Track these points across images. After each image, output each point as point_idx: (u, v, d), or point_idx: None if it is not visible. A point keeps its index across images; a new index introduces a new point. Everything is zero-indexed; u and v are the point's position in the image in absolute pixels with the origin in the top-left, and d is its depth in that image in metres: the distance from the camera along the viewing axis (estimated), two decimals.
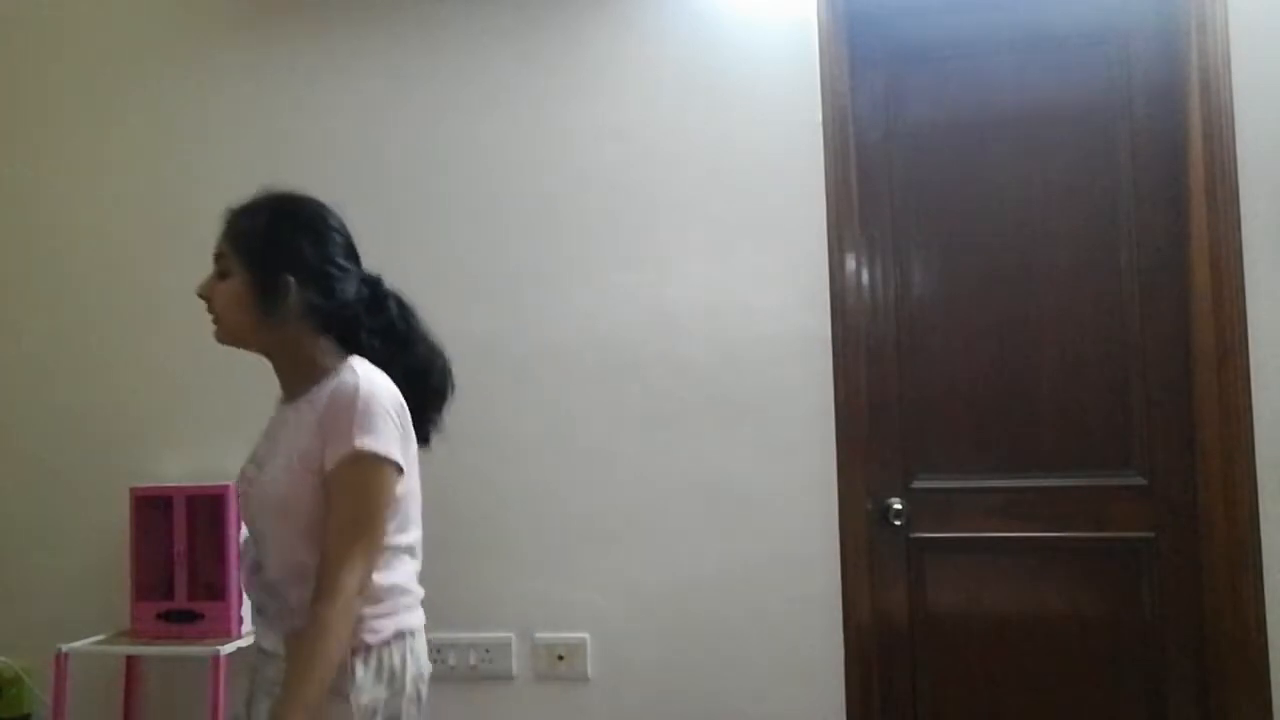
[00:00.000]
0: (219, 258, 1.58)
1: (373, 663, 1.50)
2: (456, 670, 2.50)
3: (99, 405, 2.73)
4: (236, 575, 2.49)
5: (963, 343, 2.48)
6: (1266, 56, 2.28)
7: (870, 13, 2.51)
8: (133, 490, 2.52)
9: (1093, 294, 2.43)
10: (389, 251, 2.65)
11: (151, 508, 2.50)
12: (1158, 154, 2.41)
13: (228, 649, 2.38)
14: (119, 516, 2.55)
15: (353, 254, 1.67)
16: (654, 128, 2.52)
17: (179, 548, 2.47)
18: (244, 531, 1.61)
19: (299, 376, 1.58)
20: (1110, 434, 2.41)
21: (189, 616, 2.46)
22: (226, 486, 2.51)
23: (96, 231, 2.77)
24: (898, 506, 2.46)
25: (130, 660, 2.61)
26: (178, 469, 2.65)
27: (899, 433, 2.49)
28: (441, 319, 2.61)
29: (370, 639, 1.50)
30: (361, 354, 1.58)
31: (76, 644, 2.41)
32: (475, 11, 2.61)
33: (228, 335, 1.59)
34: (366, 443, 1.44)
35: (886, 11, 2.53)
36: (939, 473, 2.47)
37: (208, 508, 2.50)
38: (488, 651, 2.51)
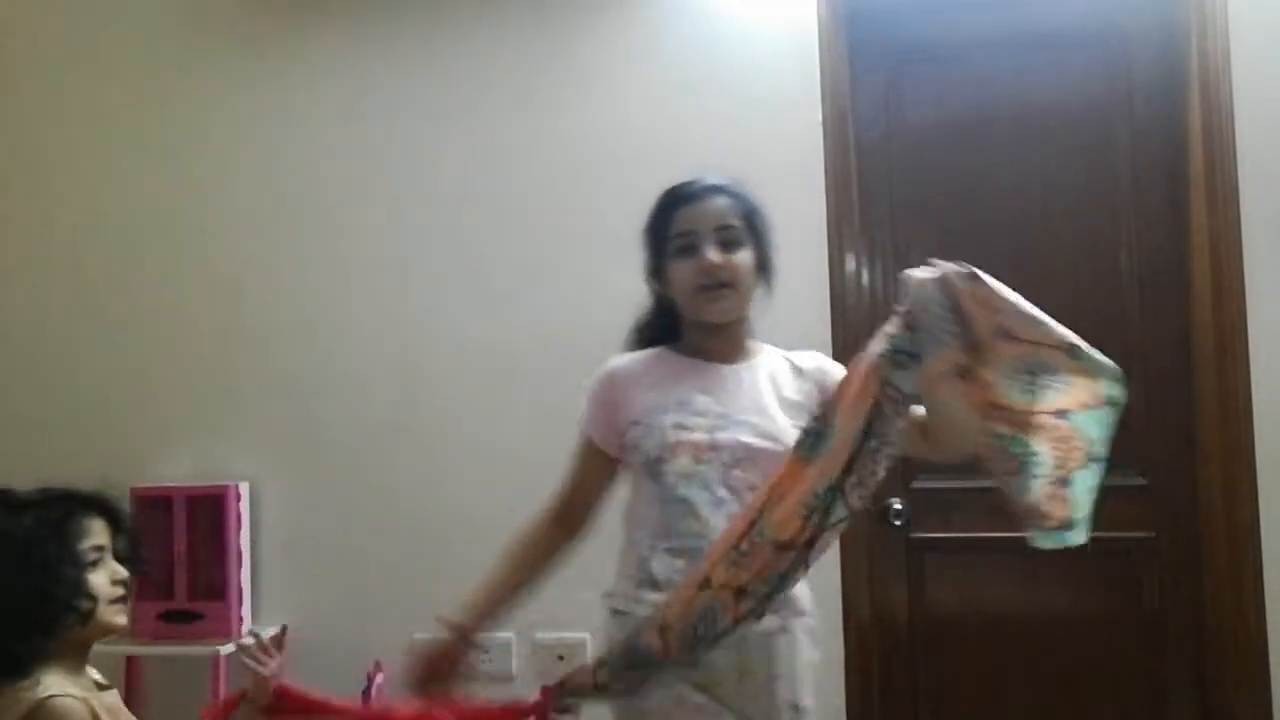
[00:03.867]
0: (725, 229, 1.56)
1: None
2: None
3: (99, 405, 2.73)
4: (236, 575, 2.49)
5: None
6: (1266, 56, 2.27)
7: (870, 13, 2.51)
8: (133, 490, 2.51)
9: (1093, 294, 2.43)
10: (390, 252, 2.67)
11: (151, 508, 2.50)
12: (1158, 154, 2.41)
13: (228, 649, 2.38)
14: None
15: None
16: (654, 127, 2.52)
17: (179, 548, 2.47)
18: (689, 489, 1.49)
19: (738, 343, 1.62)
20: None
21: (189, 616, 2.46)
22: (226, 486, 2.51)
23: (97, 233, 2.76)
24: (898, 506, 2.46)
25: (130, 660, 2.61)
26: (178, 469, 2.65)
27: None
28: (441, 319, 2.63)
29: None
30: None
31: None
32: (476, 14, 2.61)
33: (741, 305, 1.59)
34: None
35: (886, 11, 2.53)
36: (939, 473, 2.47)
37: (208, 508, 2.50)
38: (487, 652, 2.51)
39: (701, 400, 1.53)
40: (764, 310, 1.67)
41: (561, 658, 2.48)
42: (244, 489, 2.56)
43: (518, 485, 2.53)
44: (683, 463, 1.50)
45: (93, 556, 1.42)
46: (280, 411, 2.65)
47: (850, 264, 2.45)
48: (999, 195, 2.48)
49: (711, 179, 1.63)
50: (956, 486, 2.46)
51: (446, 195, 2.62)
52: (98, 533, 1.45)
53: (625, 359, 1.67)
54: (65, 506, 1.43)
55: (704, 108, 2.49)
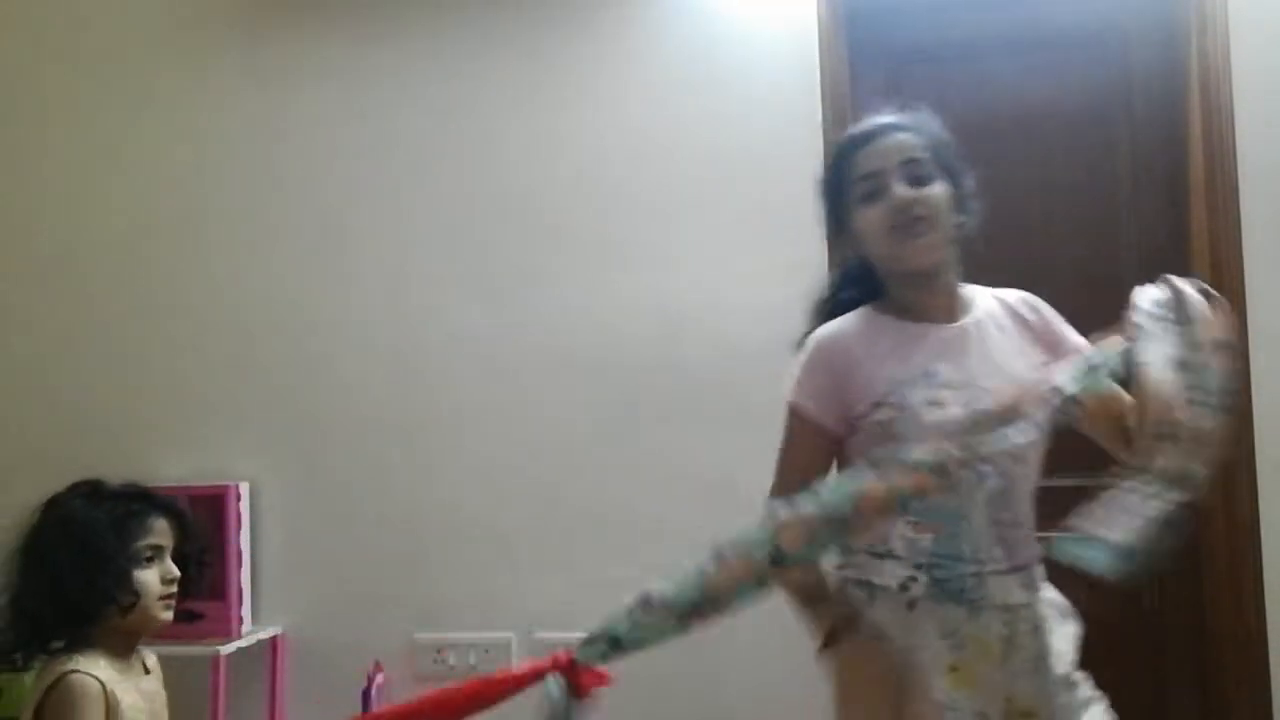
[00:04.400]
0: (912, 163, 1.45)
1: None
2: (456, 670, 2.50)
3: (99, 405, 2.73)
4: (236, 575, 2.49)
5: None
6: (1266, 56, 2.27)
7: (870, 13, 2.51)
8: None
9: (1092, 294, 2.43)
10: (391, 251, 2.67)
11: None
12: (1158, 153, 2.41)
13: (228, 649, 2.38)
14: None
15: None
16: (654, 128, 2.52)
17: None
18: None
19: (954, 294, 1.50)
20: None
21: (189, 616, 2.45)
22: (226, 486, 2.51)
23: (99, 232, 2.77)
24: None
25: None
26: (178, 469, 2.65)
27: None
28: (442, 318, 2.63)
29: None
30: None
31: None
32: (477, 13, 2.61)
33: (939, 241, 1.45)
34: None
35: (886, 11, 2.53)
36: None
37: (208, 508, 2.50)
38: (488, 651, 2.51)
39: (945, 370, 1.39)
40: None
41: None
42: (244, 489, 2.56)
43: (517, 486, 2.55)
44: (935, 442, 1.33)
45: (148, 554, 1.53)
46: (280, 411, 2.65)
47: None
48: (999, 195, 2.46)
49: (887, 116, 1.51)
50: None
51: (446, 195, 2.62)
52: (159, 533, 1.55)
53: (837, 325, 1.50)
54: (136, 504, 1.55)
55: (704, 108, 2.49)
